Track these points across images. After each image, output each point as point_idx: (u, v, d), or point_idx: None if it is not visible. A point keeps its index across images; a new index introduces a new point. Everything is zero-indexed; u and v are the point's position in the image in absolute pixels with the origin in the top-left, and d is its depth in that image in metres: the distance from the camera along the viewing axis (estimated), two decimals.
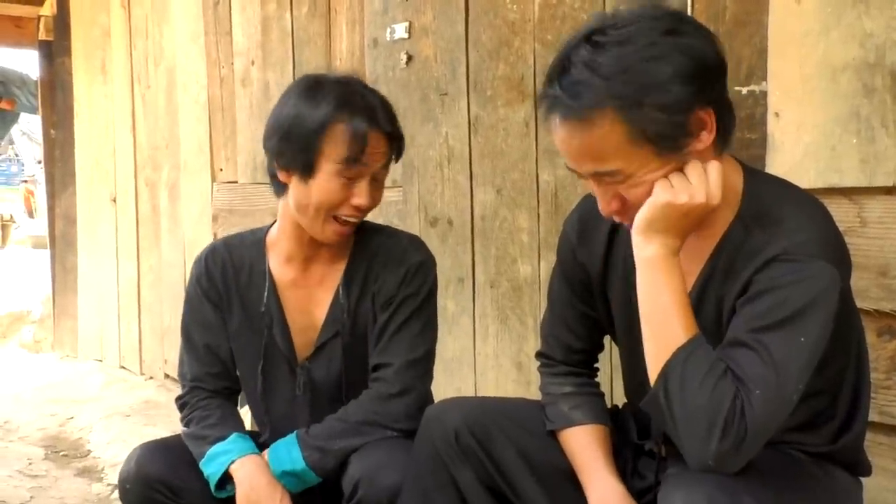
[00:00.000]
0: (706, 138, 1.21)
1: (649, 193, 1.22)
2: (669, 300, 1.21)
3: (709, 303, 1.32)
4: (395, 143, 1.66)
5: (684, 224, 1.23)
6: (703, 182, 1.21)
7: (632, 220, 1.26)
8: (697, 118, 1.20)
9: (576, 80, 1.19)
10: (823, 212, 1.29)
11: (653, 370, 1.20)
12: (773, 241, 1.21)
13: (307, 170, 1.60)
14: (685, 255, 1.34)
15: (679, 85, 1.16)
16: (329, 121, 1.58)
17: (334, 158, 1.58)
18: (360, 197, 1.61)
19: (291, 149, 1.61)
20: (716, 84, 1.22)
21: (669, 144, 1.20)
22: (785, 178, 1.41)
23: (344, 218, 1.63)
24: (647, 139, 1.19)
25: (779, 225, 1.23)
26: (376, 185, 1.66)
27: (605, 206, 1.27)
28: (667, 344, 1.19)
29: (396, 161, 1.71)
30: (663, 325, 1.21)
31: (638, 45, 1.17)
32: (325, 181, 1.59)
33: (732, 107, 1.27)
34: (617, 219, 1.30)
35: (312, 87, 1.63)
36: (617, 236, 1.45)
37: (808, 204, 1.29)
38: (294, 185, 1.63)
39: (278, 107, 1.66)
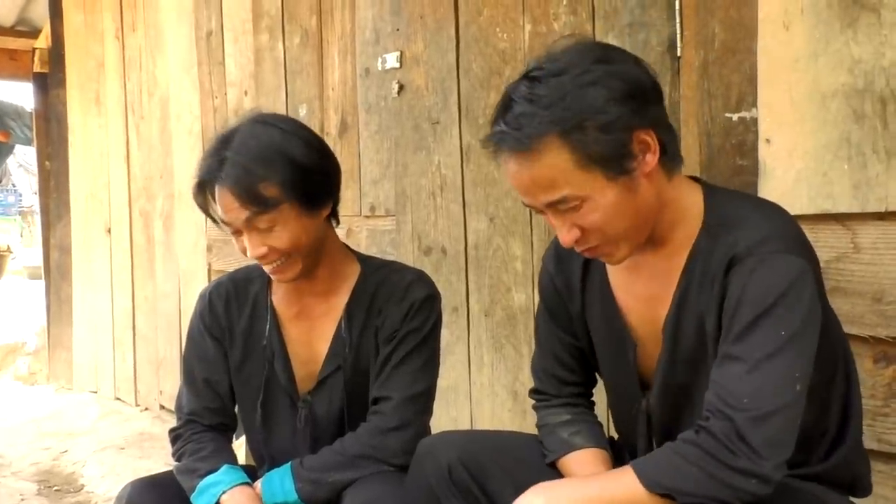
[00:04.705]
0: (651, 160, 1.25)
1: (604, 219, 1.25)
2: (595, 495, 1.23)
3: (688, 323, 1.32)
4: (248, 195, 1.52)
5: None
6: None
7: (592, 249, 1.30)
8: (639, 139, 1.23)
9: (518, 113, 1.23)
10: (784, 212, 1.33)
11: None
12: (739, 240, 1.24)
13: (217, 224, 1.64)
14: (653, 280, 1.35)
15: (615, 106, 1.21)
16: (198, 179, 1.60)
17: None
18: (248, 249, 1.58)
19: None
20: (652, 106, 1.26)
21: (615, 165, 1.23)
22: (777, 203, 1.41)
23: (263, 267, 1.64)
24: (593, 161, 1.21)
25: (742, 225, 1.26)
26: (267, 232, 1.55)
27: (565, 237, 1.29)
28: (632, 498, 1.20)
29: (300, 201, 1.56)
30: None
31: (572, 73, 1.22)
32: None
33: (674, 129, 1.31)
34: (578, 249, 1.31)
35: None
36: (591, 267, 1.47)
37: (769, 205, 1.34)
38: None
39: None
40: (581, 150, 1.21)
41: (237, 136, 1.57)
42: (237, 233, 1.58)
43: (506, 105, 1.26)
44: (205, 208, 1.62)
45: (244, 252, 1.60)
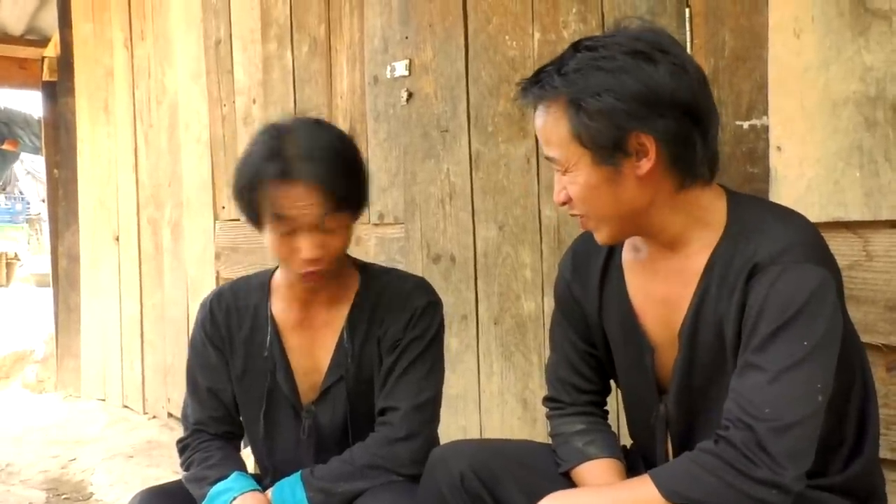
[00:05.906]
0: (645, 165, 1.25)
1: (580, 195, 1.29)
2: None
3: (705, 328, 1.31)
4: (329, 191, 1.50)
5: None
6: None
7: (580, 219, 1.35)
8: (638, 141, 1.24)
9: (547, 72, 1.29)
10: (807, 221, 1.33)
11: None
12: (761, 248, 1.24)
13: (256, 224, 1.58)
14: (669, 280, 1.35)
15: (612, 98, 1.22)
16: (256, 176, 1.53)
17: (268, 213, 1.53)
18: (303, 251, 1.53)
19: (239, 203, 1.59)
20: (665, 118, 1.23)
21: (602, 154, 1.25)
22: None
23: (301, 272, 1.57)
24: (583, 141, 1.26)
25: (764, 233, 1.26)
26: (329, 234, 1.54)
27: (555, 196, 1.35)
28: None
29: (355, 207, 1.58)
30: None
31: (600, 53, 1.25)
32: (270, 235, 1.56)
33: (697, 147, 1.27)
34: (570, 213, 1.36)
35: (255, 138, 1.59)
36: (610, 270, 1.46)
37: (792, 214, 1.34)
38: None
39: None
40: (574, 126, 1.25)
41: (303, 134, 1.55)
42: (290, 234, 1.53)
43: (547, 63, 1.32)
44: (251, 205, 1.55)
45: (281, 256, 1.56)
